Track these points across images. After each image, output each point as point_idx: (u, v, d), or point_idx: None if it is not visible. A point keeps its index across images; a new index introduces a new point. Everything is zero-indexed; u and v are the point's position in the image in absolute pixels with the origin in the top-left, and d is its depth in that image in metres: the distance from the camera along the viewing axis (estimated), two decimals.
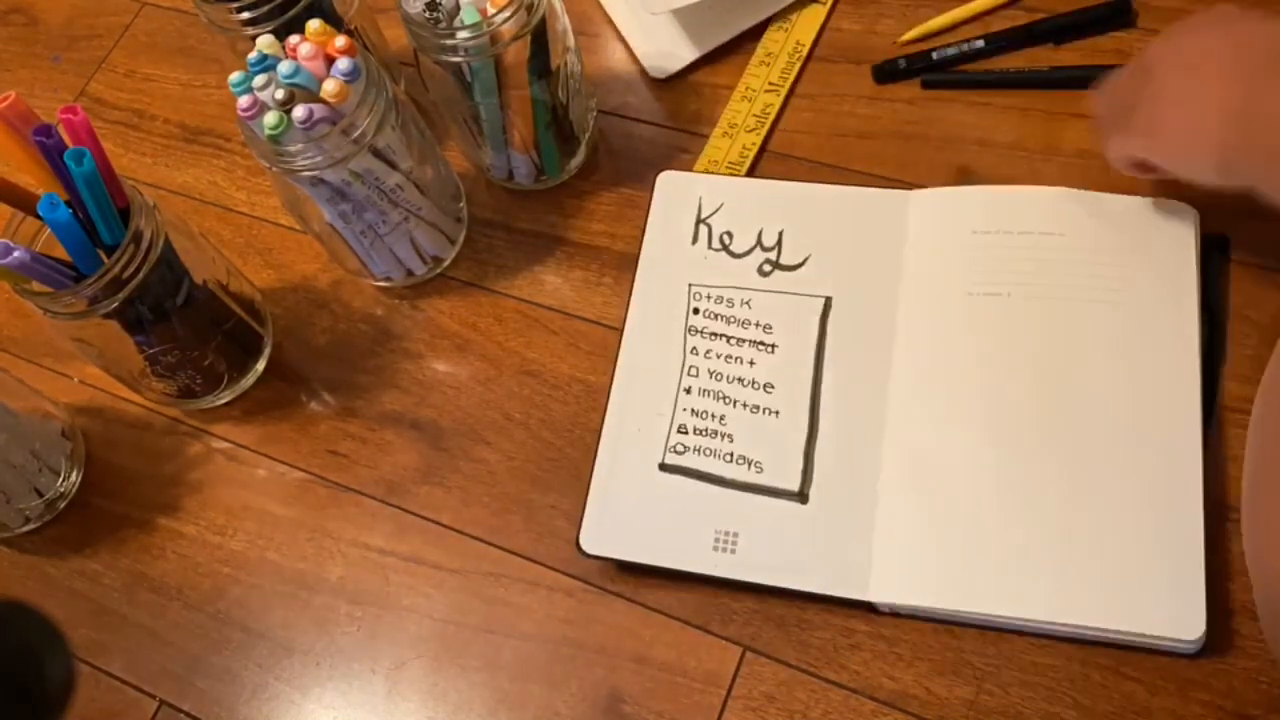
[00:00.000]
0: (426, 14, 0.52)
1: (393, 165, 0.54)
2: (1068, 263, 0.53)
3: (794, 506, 0.50)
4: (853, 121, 0.62)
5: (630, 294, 0.57)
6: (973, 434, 0.50)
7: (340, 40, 0.49)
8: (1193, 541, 0.46)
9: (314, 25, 0.50)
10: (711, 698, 0.49)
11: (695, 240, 0.58)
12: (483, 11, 0.52)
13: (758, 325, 0.55)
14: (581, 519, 0.52)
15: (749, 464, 0.52)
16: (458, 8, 0.53)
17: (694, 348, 0.55)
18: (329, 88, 0.49)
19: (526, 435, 0.57)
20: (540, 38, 0.54)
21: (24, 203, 0.49)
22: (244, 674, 0.54)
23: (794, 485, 0.51)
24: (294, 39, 0.49)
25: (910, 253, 0.55)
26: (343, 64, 0.49)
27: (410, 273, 0.61)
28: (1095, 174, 0.55)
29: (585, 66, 0.60)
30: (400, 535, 0.56)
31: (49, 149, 0.46)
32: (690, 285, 0.57)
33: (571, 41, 0.57)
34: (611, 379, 0.55)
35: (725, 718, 0.49)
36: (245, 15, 0.55)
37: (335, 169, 0.52)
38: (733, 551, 0.50)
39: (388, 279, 0.61)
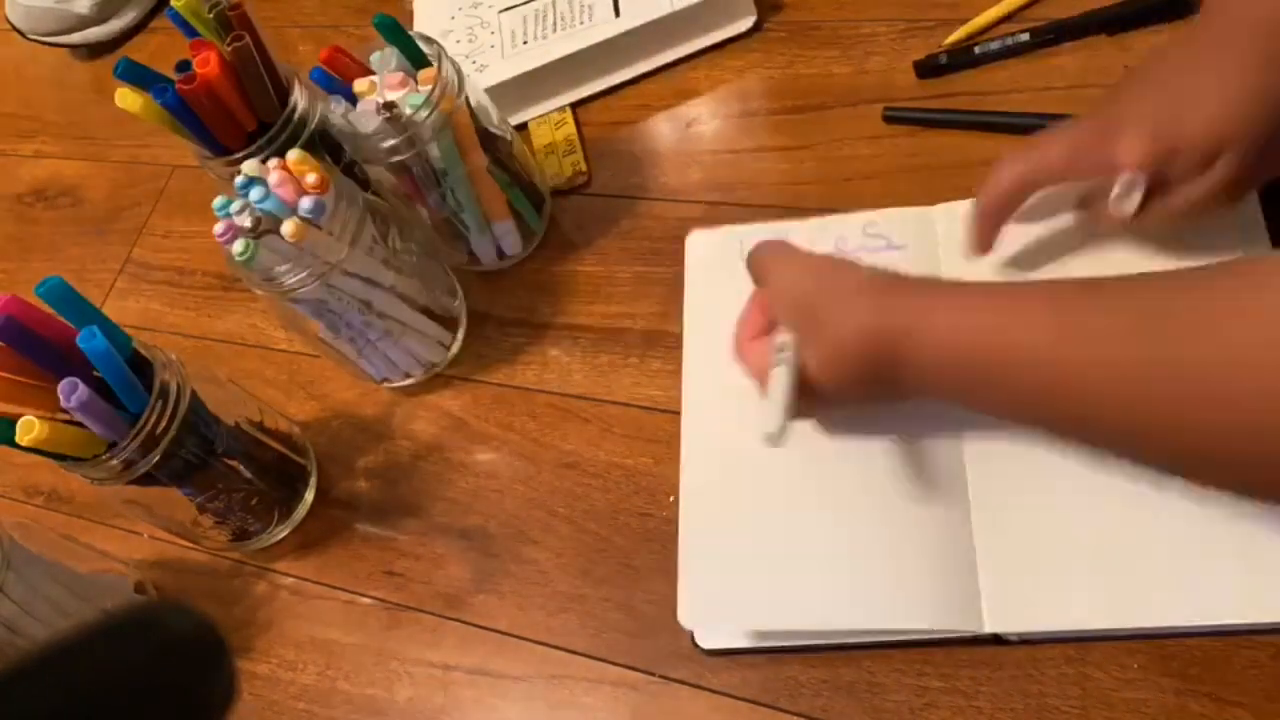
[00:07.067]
0: (386, 119, 0.54)
1: (371, 282, 0.55)
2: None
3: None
4: (857, 164, 0.61)
5: (682, 368, 0.57)
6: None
7: (312, 176, 0.50)
8: None
9: (294, 155, 0.51)
10: None
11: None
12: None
13: None
14: (686, 618, 0.50)
15: None
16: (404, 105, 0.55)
17: None
18: (287, 229, 0.50)
19: (572, 529, 0.56)
20: (470, 108, 0.58)
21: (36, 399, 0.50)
22: None
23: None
24: (273, 161, 0.51)
25: (945, 262, 0.54)
26: (305, 203, 0.50)
27: (408, 375, 0.63)
28: None
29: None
30: (462, 648, 0.56)
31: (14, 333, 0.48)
32: None
33: (487, 100, 0.61)
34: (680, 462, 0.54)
35: None
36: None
37: (306, 291, 0.53)
38: None
39: (386, 380, 0.63)
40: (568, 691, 0.52)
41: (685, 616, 0.50)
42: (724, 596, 0.50)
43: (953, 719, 0.46)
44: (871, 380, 0.43)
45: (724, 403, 0.53)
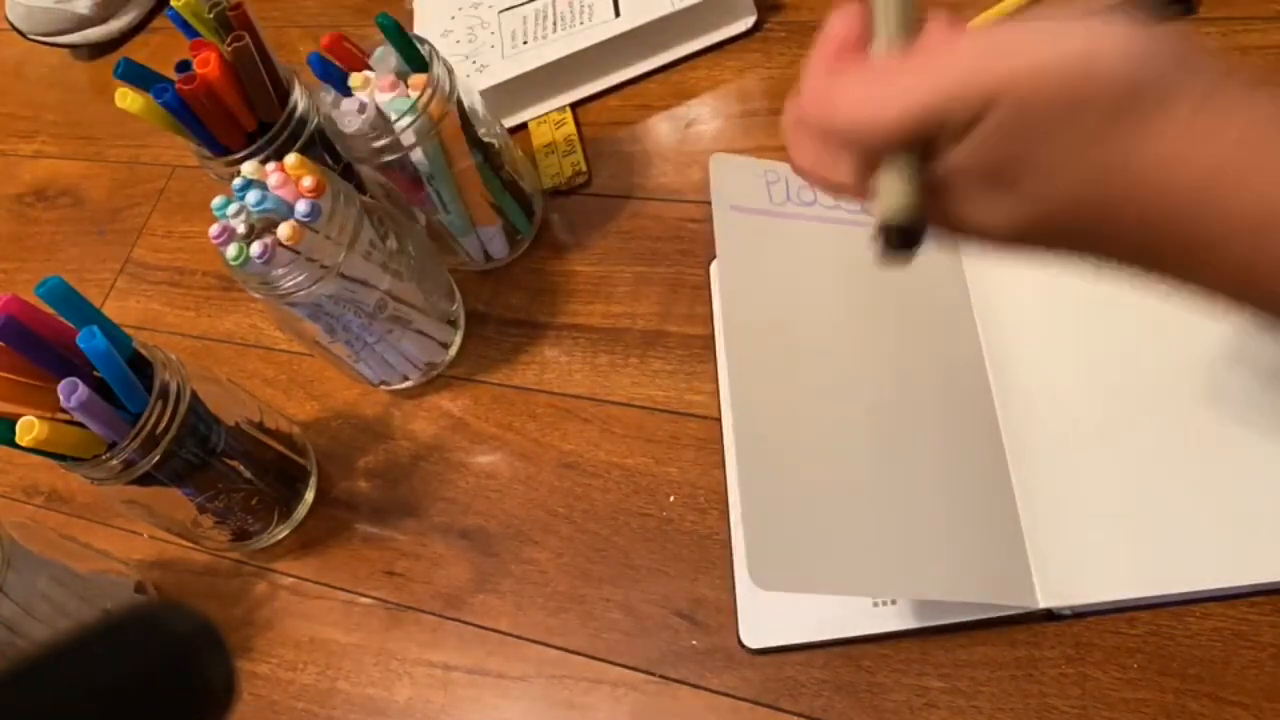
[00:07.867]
0: (368, 120, 0.54)
1: (368, 285, 0.55)
2: None
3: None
4: None
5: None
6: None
7: (308, 180, 0.50)
8: None
9: (291, 160, 0.51)
10: None
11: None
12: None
13: None
14: (736, 616, 0.51)
15: None
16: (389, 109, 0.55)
17: None
18: (283, 232, 0.49)
19: (572, 529, 0.56)
20: (462, 111, 0.58)
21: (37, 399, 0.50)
22: None
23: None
24: (271, 165, 0.51)
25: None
26: (301, 206, 0.50)
27: (405, 378, 0.63)
28: None
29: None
30: (462, 648, 0.55)
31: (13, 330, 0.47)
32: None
33: (480, 104, 0.60)
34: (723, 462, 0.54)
35: None
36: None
37: (303, 295, 0.53)
38: (893, 602, 0.48)
39: (383, 384, 0.63)
40: (568, 691, 0.52)
41: (756, 575, 0.44)
42: (789, 559, 0.45)
43: (953, 719, 0.46)
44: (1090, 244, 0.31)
45: (769, 340, 0.50)
